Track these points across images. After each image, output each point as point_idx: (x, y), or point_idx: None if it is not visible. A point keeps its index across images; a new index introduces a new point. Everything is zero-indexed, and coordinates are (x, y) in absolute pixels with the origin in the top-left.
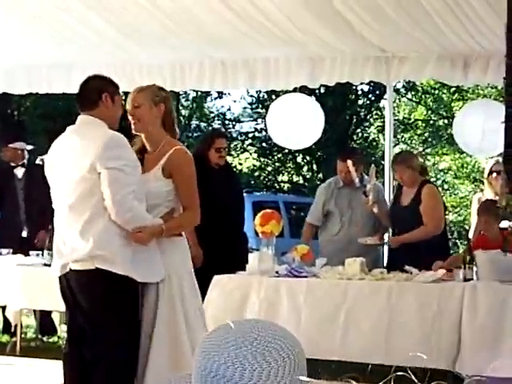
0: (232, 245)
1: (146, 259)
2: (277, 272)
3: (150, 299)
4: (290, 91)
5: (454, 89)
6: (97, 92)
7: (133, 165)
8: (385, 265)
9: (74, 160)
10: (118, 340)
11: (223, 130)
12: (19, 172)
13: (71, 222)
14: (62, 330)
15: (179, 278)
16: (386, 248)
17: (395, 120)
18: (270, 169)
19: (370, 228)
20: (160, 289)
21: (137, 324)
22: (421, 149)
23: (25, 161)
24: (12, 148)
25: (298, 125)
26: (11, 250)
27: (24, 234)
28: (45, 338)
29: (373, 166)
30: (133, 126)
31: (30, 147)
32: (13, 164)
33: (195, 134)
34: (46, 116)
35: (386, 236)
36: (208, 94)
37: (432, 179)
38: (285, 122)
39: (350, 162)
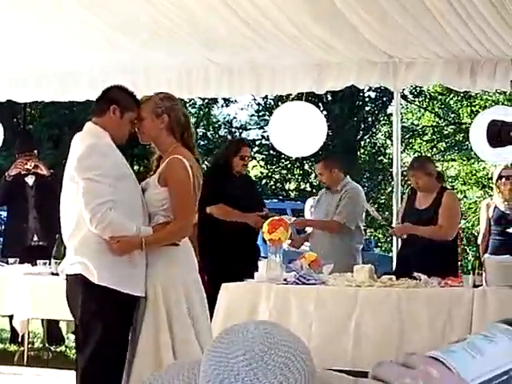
0: (248, 252)
1: (128, 270)
2: (285, 279)
3: (140, 310)
4: (297, 98)
5: (461, 95)
6: (108, 102)
7: (114, 175)
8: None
9: (67, 168)
10: (96, 347)
11: (229, 137)
12: (30, 180)
13: (64, 228)
14: (70, 339)
15: (165, 288)
16: (394, 254)
17: (403, 126)
18: (277, 176)
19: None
20: (147, 300)
21: (118, 334)
22: (429, 155)
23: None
24: (28, 157)
25: (300, 133)
26: (18, 260)
27: (33, 242)
28: (52, 348)
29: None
30: (139, 137)
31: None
32: (23, 172)
33: (202, 142)
34: (52, 124)
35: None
36: (215, 101)
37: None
38: (287, 130)
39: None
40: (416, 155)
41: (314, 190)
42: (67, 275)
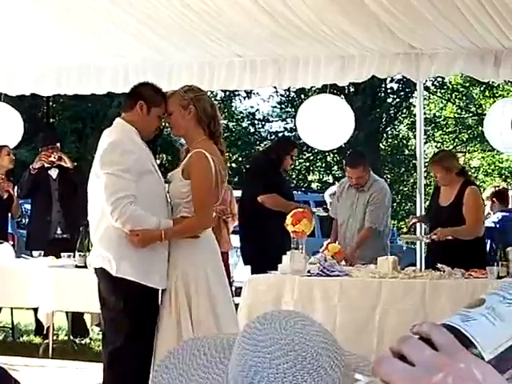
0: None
1: (149, 263)
2: (309, 271)
3: (163, 301)
4: (319, 90)
5: (484, 86)
6: (134, 98)
7: (137, 171)
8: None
9: (94, 163)
10: (121, 341)
11: (252, 129)
12: (53, 173)
13: (90, 222)
14: (94, 331)
15: (184, 277)
16: (422, 248)
17: (425, 118)
18: (300, 168)
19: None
20: (167, 291)
21: (141, 326)
22: (451, 146)
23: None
24: (51, 149)
25: (328, 126)
26: (42, 252)
27: (57, 235)
28: (77, 340)
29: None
30: (171, 131)
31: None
32: (47, 165)
33: (225, 134)
34: (75, 118)
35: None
36: (236, 93)
37: None
38: (315, 122)
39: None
40: (438, 146)
41: (336, 182)
42: (94, 268)
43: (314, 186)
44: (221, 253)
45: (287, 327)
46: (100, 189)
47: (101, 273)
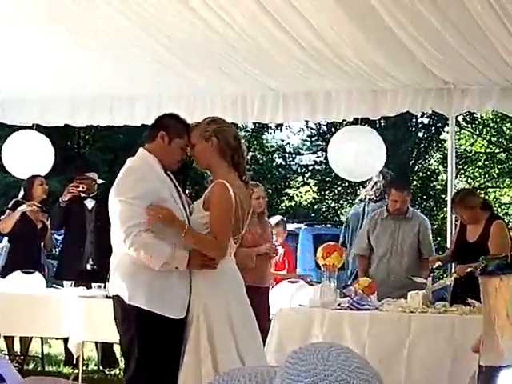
0: None
1: (165, 292)
2: (339, 305)
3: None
4: (350, 123)
5: None
6: (157, 128)
7: (151, 199)
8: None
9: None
10: (133, 370)
11: (283, 162)
12: (89, 204)
13: (113, 249)
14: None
15: (205, 310)
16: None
17: (456, 152)
18: (330, 202)
19: (413, 261)
20: (188, 321)
21: (155, 356)
22: (482, 181)
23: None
24: (79, 180)
25: (360, 157)
26: (73, 283)
27: (89, 266)
28: (106, 371)
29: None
30: (195, 164)
31: (100, 181)
32: (83, 195)
33: (254, 167)
34: (107, 149)
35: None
36: (267, 126)
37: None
38: (346, 154)
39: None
40: (468, 181)
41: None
42: (112, 296)
43: (343, 219)
44: (264, 288)
45: (330, 358)
46: (115, 216)
47: (116, 300)
